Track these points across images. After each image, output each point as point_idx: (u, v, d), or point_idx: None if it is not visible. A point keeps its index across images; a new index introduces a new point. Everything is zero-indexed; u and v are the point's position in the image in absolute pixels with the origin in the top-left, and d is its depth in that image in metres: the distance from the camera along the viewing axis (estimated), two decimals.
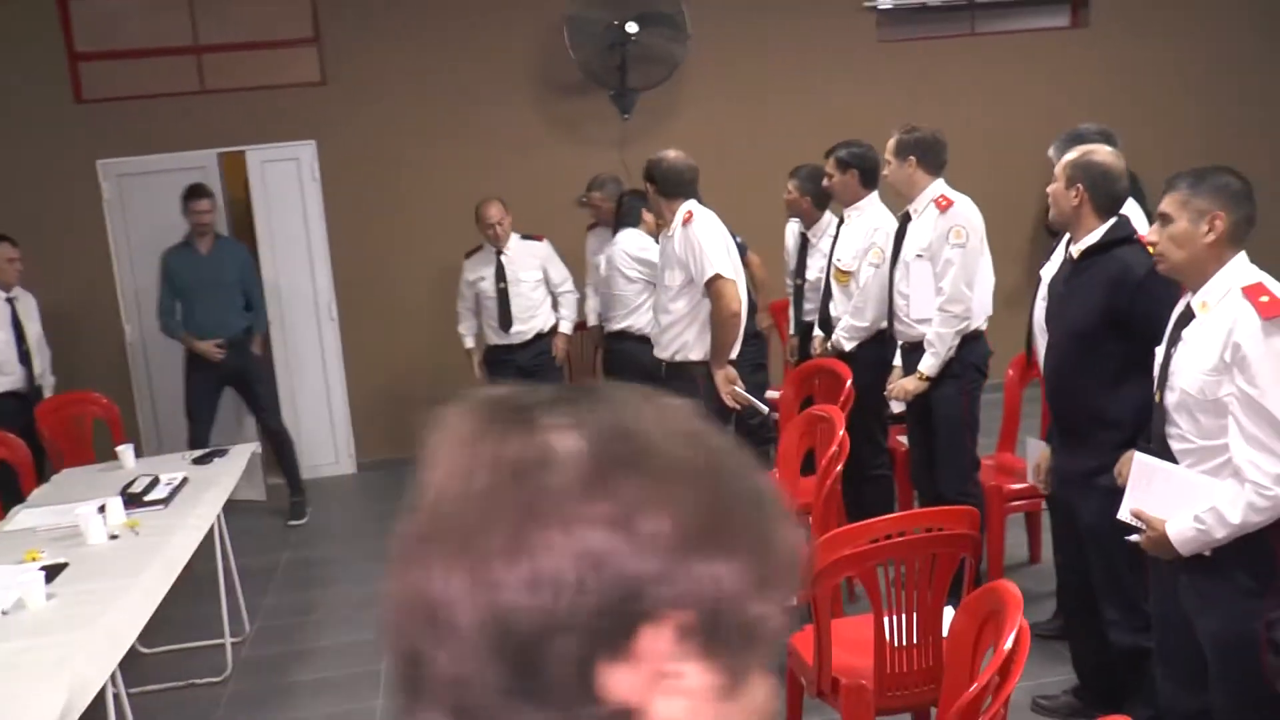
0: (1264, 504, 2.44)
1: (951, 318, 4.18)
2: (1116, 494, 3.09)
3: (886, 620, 2.93)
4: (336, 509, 6.44)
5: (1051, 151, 3.69)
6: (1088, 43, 7.37)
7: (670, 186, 4.37)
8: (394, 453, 6.68)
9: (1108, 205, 3.17)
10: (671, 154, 4.39)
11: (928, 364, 4.22)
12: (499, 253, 5.99)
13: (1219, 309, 2.55)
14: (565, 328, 6.04)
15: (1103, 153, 3.22)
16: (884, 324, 4.70)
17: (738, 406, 4.27)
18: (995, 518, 4.46)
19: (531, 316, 5.92)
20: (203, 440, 5.59)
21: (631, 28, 6.31)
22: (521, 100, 6.86)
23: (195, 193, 5.76)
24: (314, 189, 6.68)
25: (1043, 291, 3.72)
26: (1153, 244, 2.70)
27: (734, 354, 4.39)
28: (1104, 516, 3.11)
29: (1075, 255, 3.21)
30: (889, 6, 7.17)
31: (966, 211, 4.21)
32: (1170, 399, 2.62)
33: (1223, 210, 2.54)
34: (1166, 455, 2.66)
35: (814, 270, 5.21)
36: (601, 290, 5.64)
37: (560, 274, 6.04)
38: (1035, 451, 3.72)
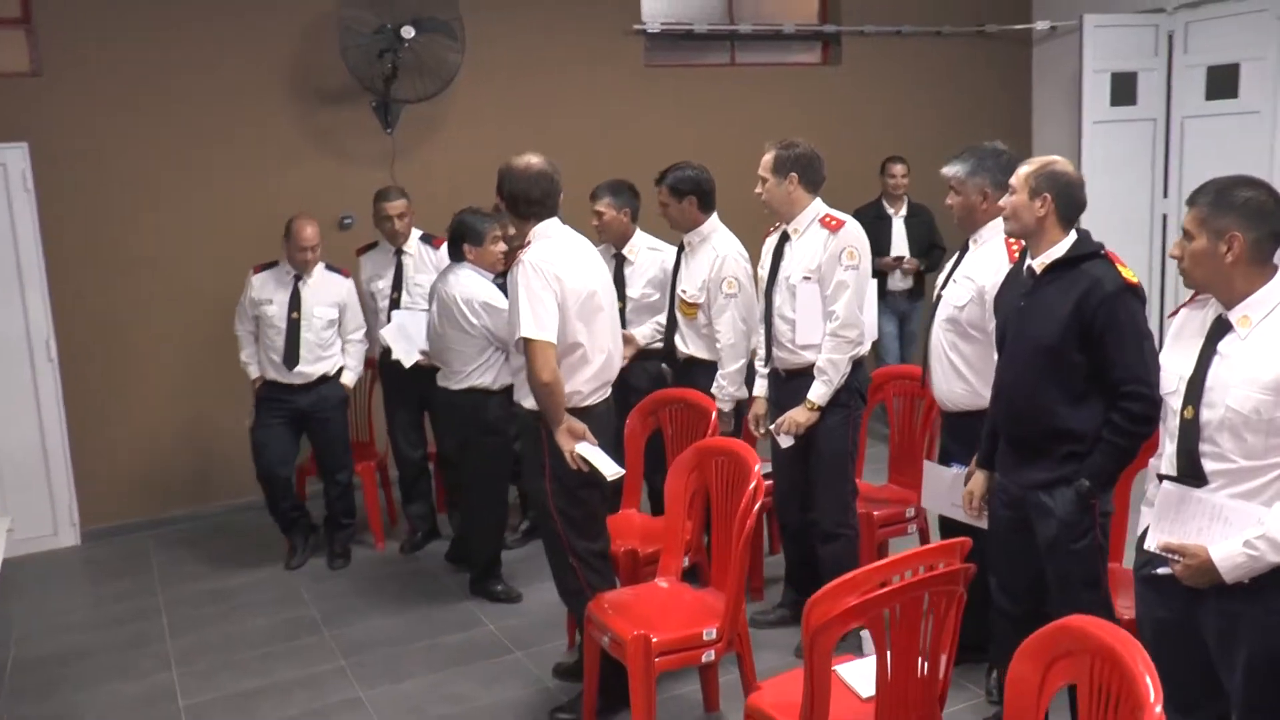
0: None
1: (845, 343, 3.97)
2: (1076, 507, 3.03)
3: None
4: (61, 590, 5.31)
5: (954, 169, 3.55)
6: (838, 78, 7.61)
7: (513, 204, 3.67)
8: (128, 516, 5.68)
9: (1072, 215, 3.07)
10: (523, 161, 3.65)
11: (818, 392, 3.99)
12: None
13: (1272, 325, 2.44)
14: (349, 379, 5.33)
15: (1062, 162, 3.12)
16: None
17: (582, 467, 3.57)
18: (869, 547, 4.31)
19: (319, 359, 5.17)
20: None
21: (407, 32, 5.71)
22: (281, 107, 6.06)
23: None
24: (25, 201, 5.50)
25: (946, 313, 3.60)
26: (1176, 258, 2.59)
27: (596, 399, 3.76)
28: (1064, 530, 3.04)
29: (1038, 269, 3.08)
30: (657, 31, 7.03)
31: (857, 232, 4.02)
32: (1209, 416, 2.48)
33: (1240, 229, 2.45)
34: (1193, 474, 2.53)
35: (635, 289, 4.84)
36: (432, 339, 4.83)
37: (357, 319, 5.32)
38: (945, 477, 3.57)
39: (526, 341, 3.51)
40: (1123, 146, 7.07)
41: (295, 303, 5.10)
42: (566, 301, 3.57)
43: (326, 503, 5.39)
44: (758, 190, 4.09)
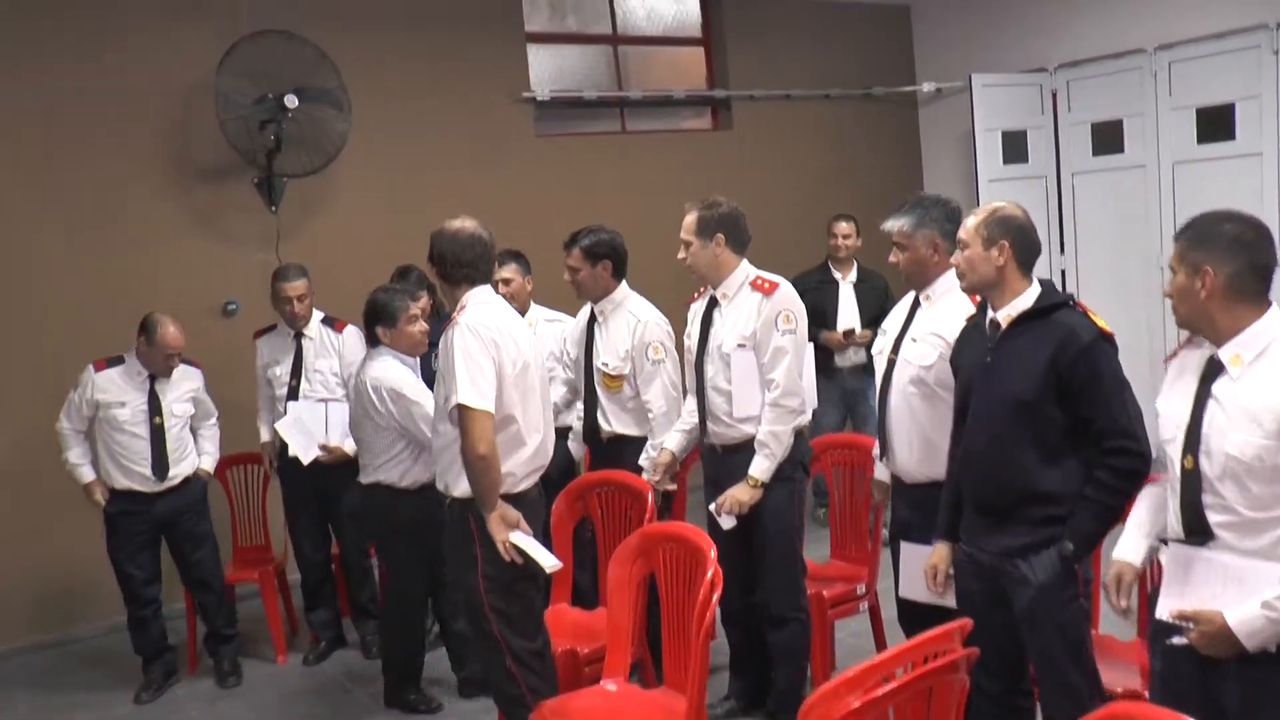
0: None
1: (787, 413, 3.72)
2: (1058, 573, 2.82)
3: None
4: None
5: (898, 223, 3.37)
6: (729, 143, 7.54)
7: (444, 268, 3.43)
8: None
9: (1030, 261, 2.92)
10: (455, 224, 3.42)
11: (761, 467, 3.73)
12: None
13: (1266, 365, 2.29)
14: (209, 464, 4.87)
15: (1009, 206, 2.97)
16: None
17: (516, 559, 3.29)
18: (820, 628, 4.05)
19: (182, 458, 4.69)
20: None
21: (290, 102, 5.37)
22: (156, 183, 5.61)
23: None
24: None
25: (908, 374, 3.37)
26: (1168, 295, 2.45)
27: (528, 485, 3.48)
28: (1045, 599, 2.83)
29: (1003, 322, 2.91)
30: (546, 99, 6.84)
31: (791, 294, 3.79)
32: (1209, 466, 2.32)
33: (1213, 264, 2.32)
34: (1199, 530, 2.35)
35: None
36: (351, 429, 4.45)
37: (208, 407, 4.87)
38: (917, 556, 3.33)
39: (462, 409, 3.21)
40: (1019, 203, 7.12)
41: (155, 406, 4.58)
42: (504, 370, 3.30)
43: (204, 615, 4.87)
44: (681, 255, 3.84)
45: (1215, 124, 6.58)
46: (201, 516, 4.79)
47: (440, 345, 3.38)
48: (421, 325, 4.25)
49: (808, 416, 3.86)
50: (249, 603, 5.17)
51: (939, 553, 3.16)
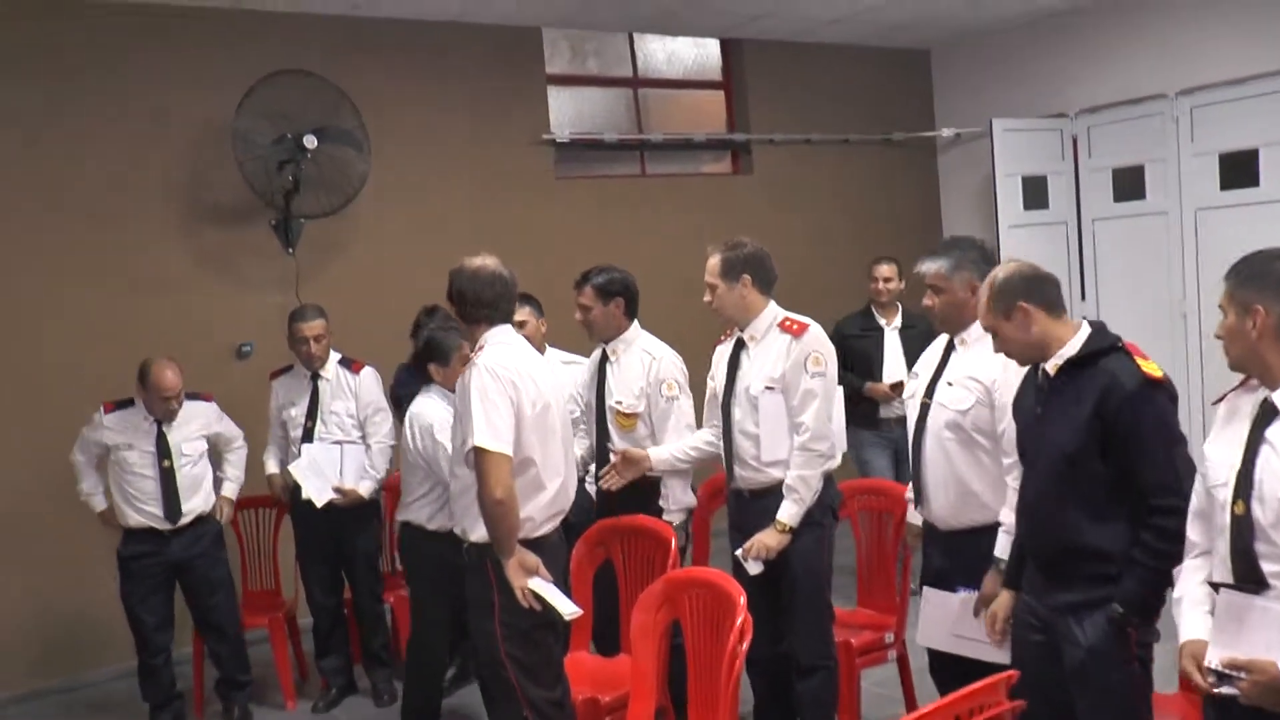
0: None
1: (816, 457, 3.62)
2: (1109, 635, 2.71)
3: None
4: None
5: (935, 265, 3.29)
6: (749, 187, 7.51)
7: (464, 308, 3.37)
8: None
9: (1053, 303, 2.84)
10: (475, 262, 3.37)
11: (790, 512, 3.62)
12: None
13: None
14: (230, 490, 4.80)
15: (1001, 269, 2.89)
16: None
17: (535, 606, 3.20)
18: (848, 677, 3.93)
19: (195, 494, 4.61)
20: None
21: (310, 142, 5.34)
22: (170, 227, 5.58)
23: None
24: None
25: (944, 418, 3.27)
26: (1220, 338, 2.36)
27: (548, 529, 3.39)
28: (1095, 662, 2.71)
29: (1051, 370, 2.83)
30: (566, 140, 6.82)
31: (821, 336, 3.70)
32: (1262, 512, 2.21)
33: (1264, 302, 2.23)
34: (1252, 578, 2.24)
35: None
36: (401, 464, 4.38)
37: (231, 429, 4.83)
38: (952, 604, 3.22)
39: (479, 452, 3.13)
40: (1038, 249, 7.03)
41: (163, 449, 4.52)
42: (523, 412, 3.22)
43: (216, 662, 4.76)
44: (707, 299, 3.76)
45: (1238, 170, 6.53)
46: (217, 560, 4.71)
47: (458, 387, 3.31)
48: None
49: (837, 460, 3.77)
50: (257, 648, 5.05)
51: (1003, 601, 3.05)
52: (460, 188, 6.37)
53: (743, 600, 3.13)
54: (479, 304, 3.35)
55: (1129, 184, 7.05)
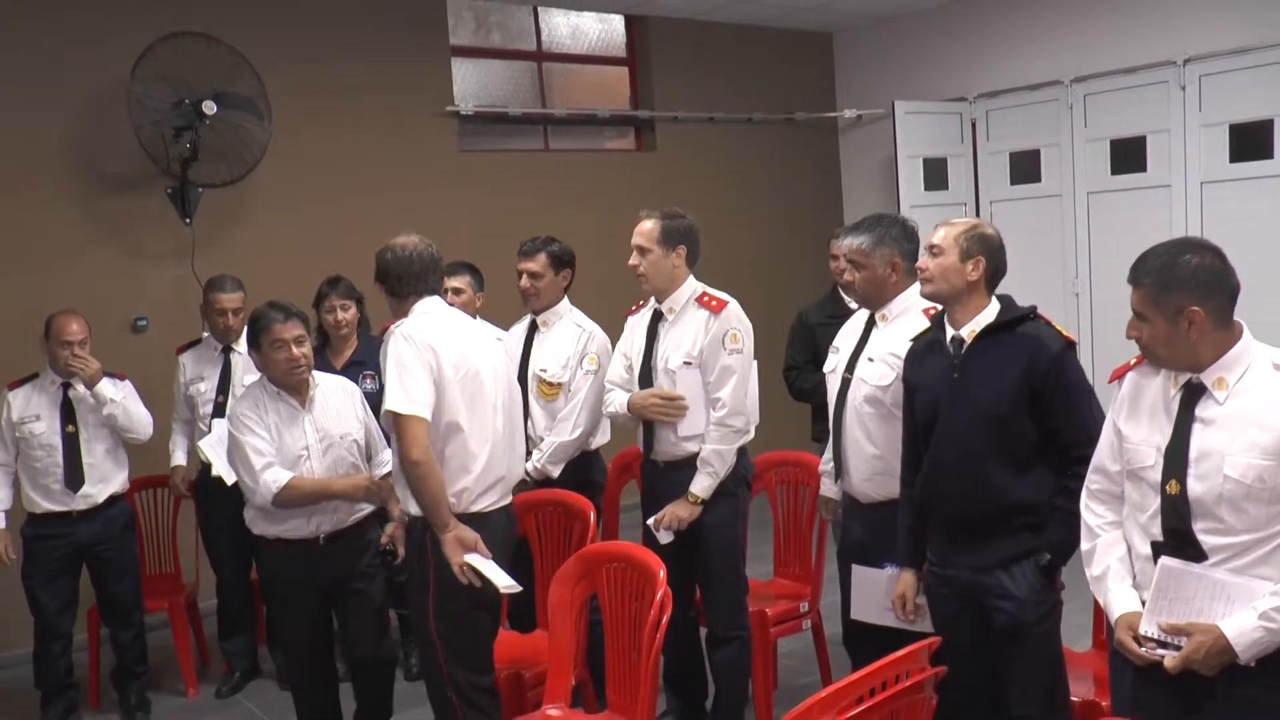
0: None
1: (732, 433, 3.66)
2: (1039, 584, 2.81)
3: None
4: None
5: (856, 241, 3.29)
6: (652, 164, 7.51)
7: (395, 284, 3.35)
8: None
9: (996, 279, 2.93)
10: (400, 240, 3.37)
11: (702, 485, 3.65)
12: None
13: (1251, 385, 2.28)
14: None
15: (987, 225, 2.98)
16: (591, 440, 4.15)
17: (474, 582, 3.16)
18: (763, 646, 3.98)
19: (105, 479, 4.42)
20: None
21: (209, 108, 5.15)
22: (60, 193, 5.32)
23: None
24: None
25: (863, 393, 3.29)
26: (1135, 339, 2.39)
27: (489, 504, 3.35)
28: (1027, 611, 2.81)
29: (967, 337, 2.88)
30: (470, 113, 6.72)
31: (739, 313, 3.72)
32: (1202, 489, 2.27)
33: (1197, 302, 2.27)
34: (1186, 551, 2.31)
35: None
36: None
37: (138, 417, 4.55)
38: (881, 580, 3.26)
39: (394, 417, 3.14)
40: None
41: (69, 415, 4.35)
42: (443, 375, 3.21)
43: (116, 652, 4.58)
44: (634, 262, 3.72)
45: (1128, 156, 6.76)
46: (126, 547, 4.53)
47: (382, 355, 3.28)
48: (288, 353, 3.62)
49: (750, 435, 3.80)
50: (156, 633, 4.89)
51: (905, 580, 3.11)
52: (363, 159, 6.22)
53: (663, 574, 3.14)
54: (408, 278, 3.36)
55: (1025, 167, 7.24)
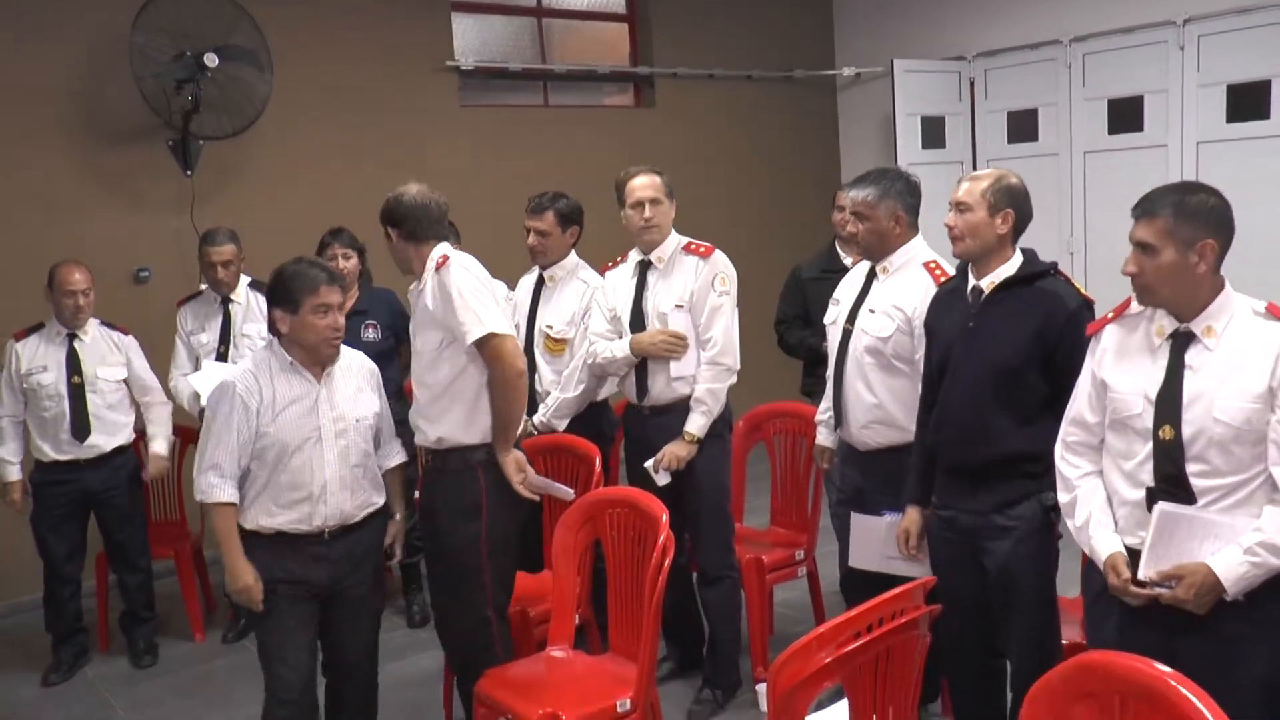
0: None
1: (724, 371, 3.79)
2: (1039, 525, 2.90)
3: None
4: None
5: (862, 193, 3.34)
6: (652, 120, 7.52)
7: (415, 227, 3.37)
8: None
9: (1023, 228, 2.97)
10: (413, 188, 3.41)
11: (698, 423, 3.77)
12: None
13: (1237, 333, 2.36)
14: (162, 447, 4.65)
15: (1011, 174, 3.01)
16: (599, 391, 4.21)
17: (535, 497, 3.41)
18: (760, 592, 4.07)
19: (111, 429, 4.50)
20: None
21: (210, 60, 5.16)
22: (61, 145, 5.35)
23: None
24: None
25: (864, 344, 3.35)
26: (1133, 274, 2.44)
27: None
28: (1024, 548, 2.89)
29: (986, 289, 2.94)
30: (470, 68, 6.73)
31: (725, 259, 3.86)
32: (1193, 432, 2.35)
33: (1213, 236, 2.35)
34: (1179, 494, 2.39)
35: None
36: None
37: (151, 378, 4.68)
38: (880, 527, 3.33)
39: (492, 336, 3.21)
40: (935, 188, 7.21)
41: (74, 365, 4.42)
42: (498, 301, 3.38)
43: (124, 597, 4.68)
44: (649, 214, 3.82)
45: (1125, 115, 6.79)
46: (132, 494, 4.62)
47: (425, 295, 3.31)
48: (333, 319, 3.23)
49: (735, 379, 3.89)
50: (162, 581, 4.97)
51: (910, 517, 3.19)
52: (364, 112, 6.24)
53: (665, 518, 3.21)
54: (428, 221, 3.38)
55: (1023, 126, 7.27)
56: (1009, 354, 2.85)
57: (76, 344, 4.45)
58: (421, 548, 4.07)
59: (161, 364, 4.83)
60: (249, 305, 4.73)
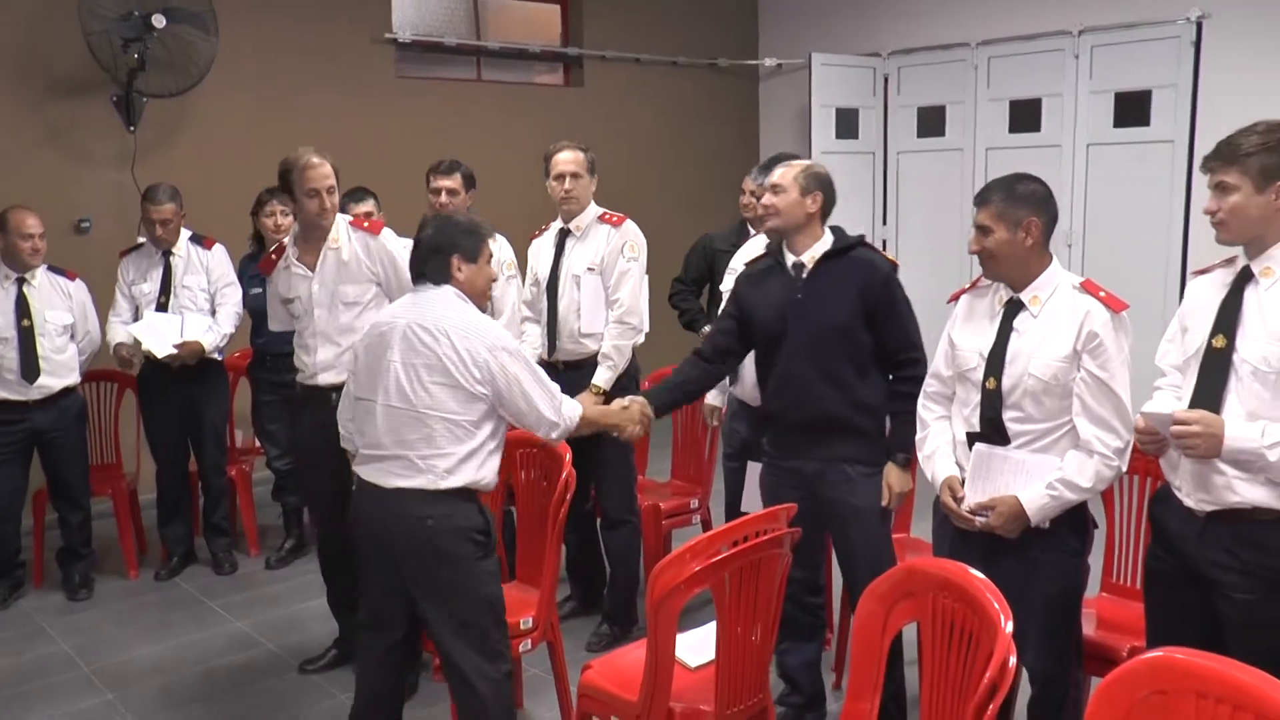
0: (1109, 473, 2.75)
1: (629, 329, 4.19)
2: (876, 474, 3.33)
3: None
4: None
5: (764, 178, 3.73)
6: (580, 100, 7.85)
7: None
8: None
9: (829, 211, 3.39)
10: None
11: (604, 377, 4.16)
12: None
13: (1056, 303, 2.80)
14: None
15: (820, 165, 3.45)
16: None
17: None
18: (656, 537, 4.45)
19: (58, 371, 4.71)
20: None
21: (158, 21, 5.37)
22: (7, 95, 5.54)
23: None
24: None
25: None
26: (976, 252, 2.87)
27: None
28: (868, 495, 3.32)
29: (808, 263, 3.35)
30: (407, 40, 6.99)
31: (636, 229, 4.26)
32: (1011, 384, 2.80)
33: (1036, 215, 2.79)
34: (998, 437, 2.84)
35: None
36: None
37: (92, 321, 4.92)
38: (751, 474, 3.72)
39: None
40: (847, 176, 7.66)
41: (23, 309, 4.63)
42: None
43: (64, 533, 4.91)
44: (569, 186, 4.19)
45: (1024, 116, 7.27)
46: (77, 433, 4.84)
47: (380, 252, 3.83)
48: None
49: (641, 338, 4.28)
50: (97, 522, 5.17)
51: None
52: (304, 78, 6.48)
53: (569, 457, 3.56)
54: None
55: (931, 121, 7.73)
56: (840, 314, 3.27)
57: (26, 288, 4.65)
58: None
59: (101, 312, 5.05)
60: (189, 258, 4.97)
